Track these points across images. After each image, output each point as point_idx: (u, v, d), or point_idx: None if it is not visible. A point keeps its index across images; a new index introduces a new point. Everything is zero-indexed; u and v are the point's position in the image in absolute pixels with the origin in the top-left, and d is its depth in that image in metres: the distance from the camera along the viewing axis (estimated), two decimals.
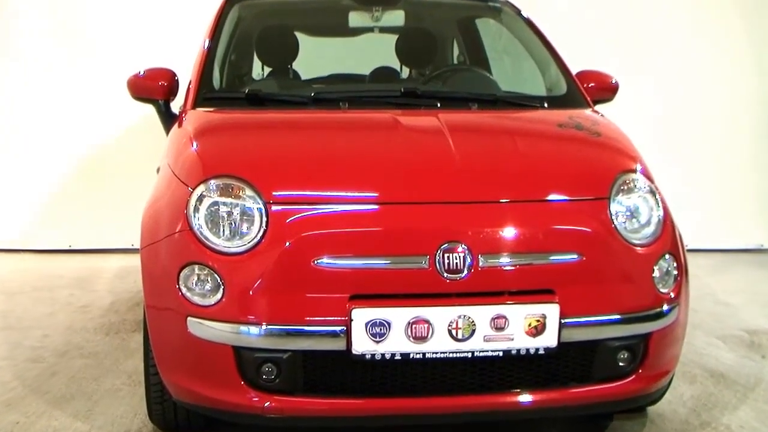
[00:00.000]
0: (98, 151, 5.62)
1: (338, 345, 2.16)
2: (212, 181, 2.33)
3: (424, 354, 2.18)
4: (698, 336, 3.69)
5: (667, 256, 2.42)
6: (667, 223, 2.48)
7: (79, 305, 4.23)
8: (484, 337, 2.18)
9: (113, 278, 4.83)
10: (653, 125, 5.54)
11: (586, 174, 2.56)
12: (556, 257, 2.29)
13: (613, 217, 2.38)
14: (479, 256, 2.20)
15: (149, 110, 3.34)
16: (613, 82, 3.33)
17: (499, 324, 2.19)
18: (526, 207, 2.39)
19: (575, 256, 2.28)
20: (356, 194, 2.37)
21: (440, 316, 2.16)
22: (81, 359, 3.37)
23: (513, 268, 2.25)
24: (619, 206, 2.42)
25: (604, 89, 3.30)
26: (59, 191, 5.63)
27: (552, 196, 2.45)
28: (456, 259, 2.19)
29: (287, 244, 2.20)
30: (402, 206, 2.34)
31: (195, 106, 2.94)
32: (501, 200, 2.40)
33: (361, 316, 2.14)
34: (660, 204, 2.49)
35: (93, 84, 5.52)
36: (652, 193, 2.50)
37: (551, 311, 2.20)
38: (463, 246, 2.20)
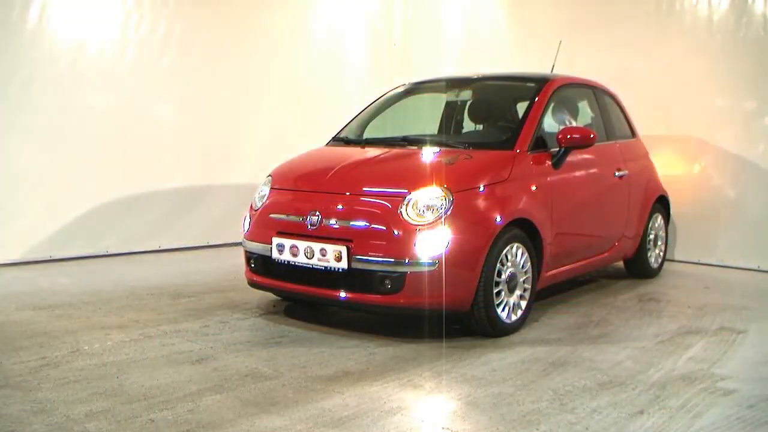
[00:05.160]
0: None
1: (267, 253, 4.50)
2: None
3: (295, 263, 4.36)
4: None
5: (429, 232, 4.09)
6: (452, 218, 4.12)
7: None
8: (318, 258, 4.24)
9: None
10: None
11: (400, 182, 4.33)
12: (356, 223, 4.21)
13: (402, 207, 4.14)
14: (324, 219, 4.29)
15: None
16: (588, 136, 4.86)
17: (323, 253, 4.22)
18: (353, 197, 4.35)
19: (366, 224, 4.17)
20: (293, 186, 4.73)
21: (302, 245, 4.31)
22: None
23: (337, 226, 4.25)
24: (411, 199, 4.17)
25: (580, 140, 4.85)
26: None
27: (370, 192, 4.36)
28: (314, 218, 4.31)
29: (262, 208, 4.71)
30: (301, 192, 4.62)
31: None
32: (346, 192, 4.39)
33: (275, 241, 4.44)
34: (449, 203, 4.13)
35: None
36: (444, 199, 4.14)
37: (346, 249, 4.13)
38: (318, 213, 4.32)
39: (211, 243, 7.41)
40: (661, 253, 6.32)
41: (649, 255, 6.11)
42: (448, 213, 4.09)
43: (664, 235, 6.36)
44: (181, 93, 7.15)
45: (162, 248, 7.11)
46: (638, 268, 6.12)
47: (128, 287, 5.54)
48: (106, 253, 6.75)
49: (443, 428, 3.06)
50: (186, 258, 6.96)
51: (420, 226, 4.07)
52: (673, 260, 6.86)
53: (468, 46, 8.37)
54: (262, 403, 3.26)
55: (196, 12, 7.19)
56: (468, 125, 5.61)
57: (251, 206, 4.79)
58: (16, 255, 6.26)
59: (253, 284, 4.74)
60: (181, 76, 7.12)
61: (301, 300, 4.87)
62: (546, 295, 5.21)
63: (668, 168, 6.73)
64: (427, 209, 4.11)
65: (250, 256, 4.67)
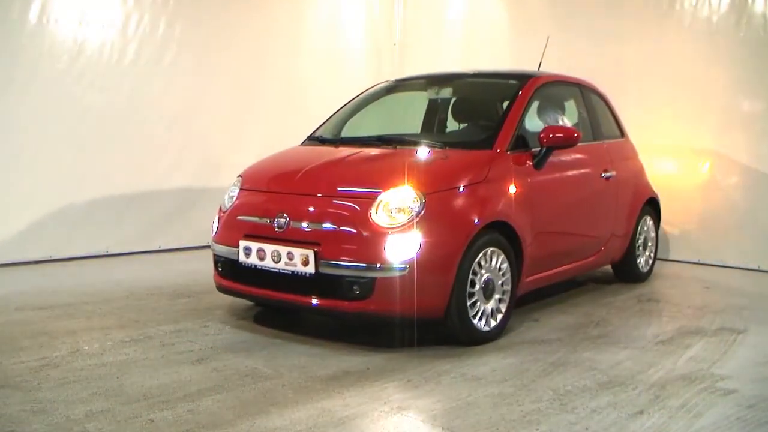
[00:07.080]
0: None
1: (234, 257, 4.33)
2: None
3: (262, 267, 4.18)
4: None
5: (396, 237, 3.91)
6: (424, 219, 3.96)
7: None
8: (285, 262, 4.07)
9: None
10: None
11: (371, 183, 4.18)
12: (324, 226, 4.05)
13: (372, 209, 3.99)
14: (292, 222, 4.12)
15: None
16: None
17: (290, 256, 4.04)
18: (322, 199, 4.17)
19: (334, 226, 4.01)
20: (262, 187, 4.55)
21: (269, 248, 4.13)
22: None
23: (306, 229, 4.08)
24: (382, 201, 4.02)
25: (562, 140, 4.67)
26: None
27: (339, 193, 4.20)
28: (281, 220, 4.15)
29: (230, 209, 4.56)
30: (270, 193, 4.45)
31: None
32: (315, 194, 4.22)
33: (242, 244, 4.26)
34: (421, 204, 3.97)
35: None
36: (416, 201, 3.98)
37: (313, 253, 3.96)
38: (285, 215, 4.15)
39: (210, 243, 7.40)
40: (651, 257, 6.16)
41: (638, 259, 5.93)
42: (420, 215, 3.92)
43: (654, 238, 6.19)
44: (181, 93, 7.14)
45: (162, 248, 7.11)
46: (627, 272, 5.94)
47: (128, 287, 5.54)
48: (106, 253, 6.76)
49: (443, 428, 3.06)
50: (186, 258, 6.95)
51: (391, 229, 3.90)
52: (673, 260, 6.87)
53: (468, 46, 8.37)
54: (262, 403, 3.27)
55: (196, 12, 7.19)
56: (452, 123, 5.45)
57: (220, 208, 4.63)
58: (16, 255, 6.26)
59: (221, 289, 4.55)
60: (180, 76, 7.11)
61: (270, 306, 4.74)
62: (545, 295, 5.21)
63: (668, 168, 6.73)
64: (398, 211, 3.95)
65: (217, 260, 4.51)
